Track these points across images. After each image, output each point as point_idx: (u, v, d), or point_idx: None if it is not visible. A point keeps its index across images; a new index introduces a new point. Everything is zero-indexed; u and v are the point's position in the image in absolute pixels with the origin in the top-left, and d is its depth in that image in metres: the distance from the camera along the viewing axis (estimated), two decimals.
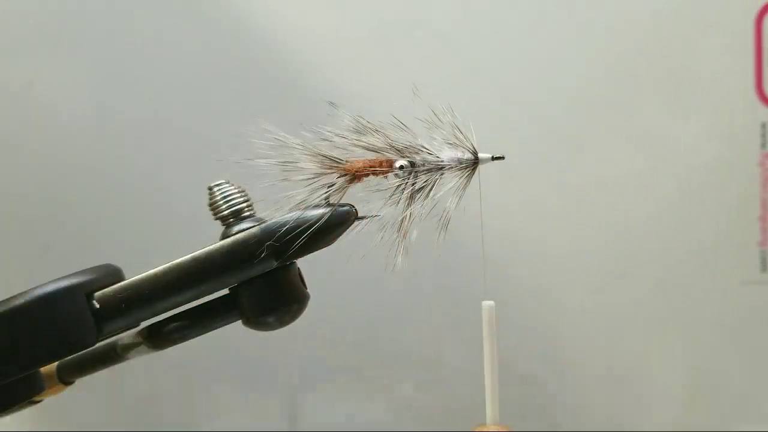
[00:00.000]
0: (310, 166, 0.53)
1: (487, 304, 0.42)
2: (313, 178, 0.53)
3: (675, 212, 1.02)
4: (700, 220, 1.02)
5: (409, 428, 1.04)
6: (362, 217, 0.53)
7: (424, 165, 0.53)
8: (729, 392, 1.04)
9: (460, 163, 0.53)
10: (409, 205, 0.52)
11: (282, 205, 0.52)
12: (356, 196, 0.54)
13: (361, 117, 0.53)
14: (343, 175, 0.53)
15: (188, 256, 0.52)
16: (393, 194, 0.53)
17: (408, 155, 0.53)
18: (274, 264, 0.52)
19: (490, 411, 0.41)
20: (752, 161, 1.01)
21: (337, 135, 0.53)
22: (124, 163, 1.01)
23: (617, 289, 1.03)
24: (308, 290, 0.55)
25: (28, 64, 1.01)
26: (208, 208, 0.54)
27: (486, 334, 0.41)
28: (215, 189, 0.54)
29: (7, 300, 0.51)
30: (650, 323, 1.04)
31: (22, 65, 1.01)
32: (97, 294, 0.52)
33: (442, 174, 0.53)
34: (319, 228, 0.51)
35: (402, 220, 0.52)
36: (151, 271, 0.52)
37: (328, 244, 0.52)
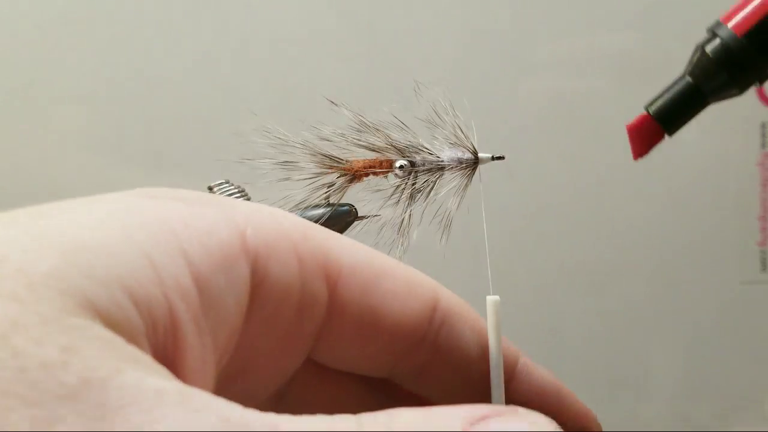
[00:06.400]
0: (310, 165, 0.53)
1: (492, 299, 0.41)
2: (313, 177, 0.53)
3: (675, 212, 1.02)
4: (700, 219, 1.02)
5: None
6: (362, 217, 0.53)
7: (424, 165, 0.53)
8: (729, 392, 1.04)
9: (460, 163, 0.53)
10: (409, 204, 0.52)
11: (282, 204, 0.52)
12: (356, 196, 0.53)
13: (361, 116, 0.52)
14: (343, 175, 0.53)
15: None
16: (393, 194, 0.53)
17: (408, 155, 0.53)
18: None
19: (497, 399, 0.40)
20: (752, 161, 1.01)
21: (337, 134, 0.53)
22: (124, 162, 1.01)
23: (617, 289, 1.03)
24: None
25: (28, 64, 1.01)
26: None
27: (491, 330, 0.40)
28: (215, 189, 0.54)
29: None
30: (650, 323, 1.04)
31: (22, 65, 1.01)
32: None
33: (442, 174, 0.53)
34: None
35: (402, 220, 0.52)
36: None
37: None
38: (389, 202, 0.52)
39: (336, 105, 0.53)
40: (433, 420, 0.26)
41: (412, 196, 0.52)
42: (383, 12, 1.01)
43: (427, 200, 0.52)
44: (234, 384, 0.33)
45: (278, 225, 0.33)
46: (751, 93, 1.03)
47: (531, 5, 1.00)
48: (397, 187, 0.53)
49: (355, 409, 0.40)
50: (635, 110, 1.04)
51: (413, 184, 0.52)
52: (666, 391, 1.04)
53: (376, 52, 1.01)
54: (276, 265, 0.32)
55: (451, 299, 0.38)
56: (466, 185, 0.53)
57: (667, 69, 1.05)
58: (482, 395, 0.38)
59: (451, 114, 0.53)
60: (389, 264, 0.37)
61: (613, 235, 1.02)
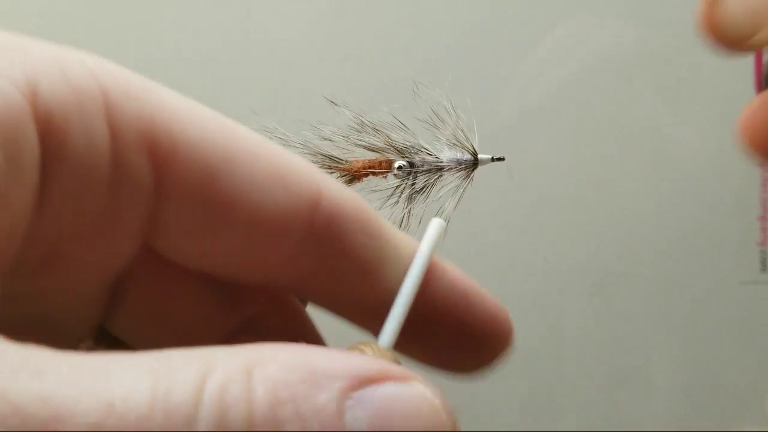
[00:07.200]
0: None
1: (437, 221, 0.36)
2: None
3: (674, 212, 1.02)
4: (700, 219, 1.02)
5: None
6: None
7: (423, 165, 0.53)
8: (729, 392, 1.04)
9: (460, 164, 0.53)
10: (408, 205, 0.52)
11: None
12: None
13: (361, 116, 0.52)
14: (342, 175, 0.53)
15: None
16: (392, 194, 0.53)
17: (408, 155, 0.53)
18: None
19: (388, 335, 0.31)
20: (752, 161, 1.01)
21: (337, 134, 0.53)
22: None
23: (617, 288, 1.03)
24: None
25: None
26: None
27: (424, 250, 0.33)
28: None
29: None
30: (650, 323, 1.04)
31: None
32: None
33: (441, 175, 0.53)
34: None
35: (401, 220, 0.52)
36: None
37: None
38: (389, 202, 0.52)
39: (336, 105, 0.53)
40: (311, 373, 0.21)
41: (411, 197, 0.52)
42: (383, 12, 1.01)
43: (427, 200, 0.52)
44: (47, 274, 0.28)
45: (89, 79, 0.26)
46: (752, 93, 1.03)
47: (533, 6, 1.00)
48: (397, 187, 0.53)
49: (210, 313, 0.33)
50: (635, 110, 1.04)
51: (412, 185, 0.52)
52: (666, 391, 1.04)
53: (376, 52, 1.01)
54: (76, 135, 0.25)
55: (342, 194, 0.31)
56: (467, 186, 0.53)
57: (666, 69, 1.05)
58: (378, 310, 0.32)
59: (452, 114, 0.53)
60: (254, 145, 0.30)
61: (613, 235, 1.02)
